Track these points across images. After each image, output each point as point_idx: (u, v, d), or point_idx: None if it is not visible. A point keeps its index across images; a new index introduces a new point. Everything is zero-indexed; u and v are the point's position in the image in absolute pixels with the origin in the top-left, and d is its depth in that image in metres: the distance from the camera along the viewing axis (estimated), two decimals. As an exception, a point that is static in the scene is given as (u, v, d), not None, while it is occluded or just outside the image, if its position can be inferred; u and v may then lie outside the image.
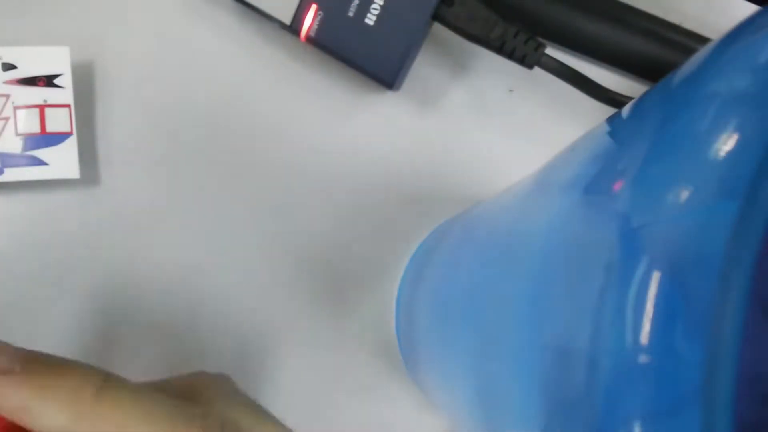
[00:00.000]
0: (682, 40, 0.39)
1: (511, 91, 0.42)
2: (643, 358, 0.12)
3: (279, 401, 0.40)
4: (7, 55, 0.38)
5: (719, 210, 0.12)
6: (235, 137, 0.41)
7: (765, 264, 0.11)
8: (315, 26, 0.37)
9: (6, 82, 0.38)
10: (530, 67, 0.37)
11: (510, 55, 0.37)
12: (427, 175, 0.41)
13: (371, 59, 0.37)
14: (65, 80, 0.39)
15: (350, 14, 0.37)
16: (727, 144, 0.12)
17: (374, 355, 0.41)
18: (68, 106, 0.39)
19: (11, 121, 0.38)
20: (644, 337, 0.12)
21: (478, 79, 0.42)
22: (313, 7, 0.37)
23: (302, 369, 0.40)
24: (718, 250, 0.11)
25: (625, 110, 0.18)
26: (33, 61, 0.38)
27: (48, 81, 0.39)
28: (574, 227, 0.16)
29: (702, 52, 0.16)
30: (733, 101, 0.13)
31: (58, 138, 0.38)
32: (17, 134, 0.38)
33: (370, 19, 0.37)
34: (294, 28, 0.37)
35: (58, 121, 0.38)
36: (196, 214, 0.40)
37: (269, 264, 0.41)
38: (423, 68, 0.41)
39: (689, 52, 0.38)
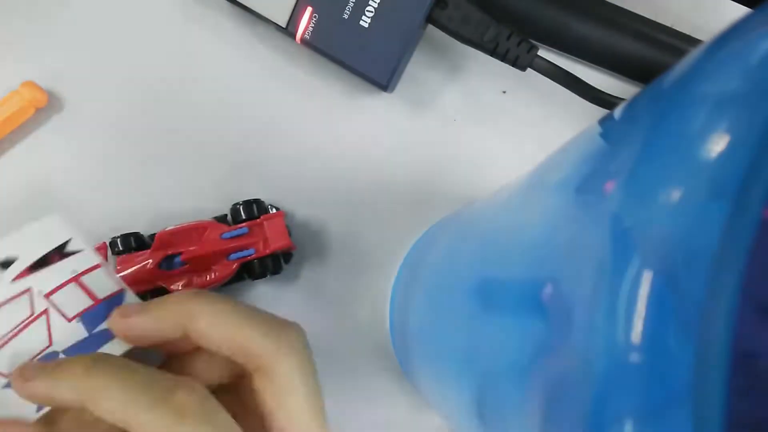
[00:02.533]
0: (674, 42, 0.39)
1: (504, 92, 0.42)
2: (635, 357, 0.12)
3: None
4: None
5: (710, 210, 0.12)
6: (230, 138, 0.41)
7: (755, 263, 0.11)
8: (310, 28, 0.37)
9: (16, 279, 0.31)
10: (523, 68, 0.37)
11: (503, 57, 0.37)
12: (421, 175, 0.41)
13: (366, 61, 0.37)
14: (77, 242, 0.32)
15: (345, 16, 0.37)
16: (717, 145, 0.12)
17: (368, 355, 0.41)
18: (99, 266, 0.32)
19: (53, 312, 0.31)
20: (636, 336, 0.12)
21: (471, 81, 0.42)
22: (309, 9, 0.37)
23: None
24: (709, 250, 0.11)
25: (617, 111, 0.18)
26: (30, 242, 0.32)
27: (60, 253, 0.32)
28: (566, 227, 0.17)
29: (693, 54, 0.16)
30: (723, 103, 0.13)
31: (116, 299, 0.32)
32: (70, 320, 0.31)
33: (365, 22, 0.37)
34: (289, 30, 0.37)
35: (103, 283, 0.32)
36: (190, 213, 0.40)
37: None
38: (417, 70, 0.41)
39: (680, 53, 0.39)
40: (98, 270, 0.32)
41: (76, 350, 0.31)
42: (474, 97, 0.42)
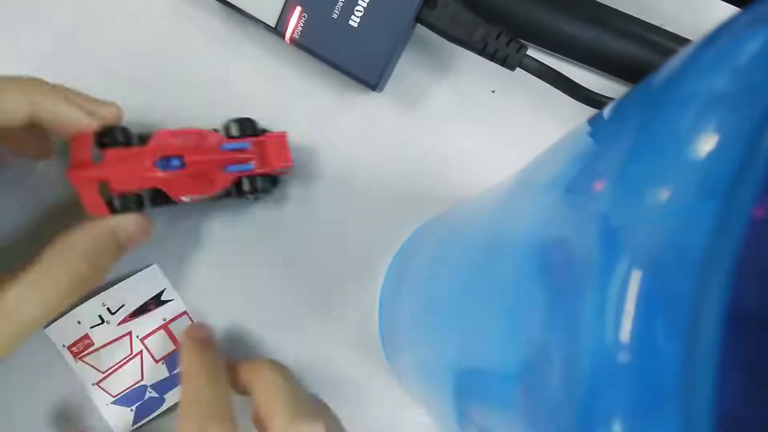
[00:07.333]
0: (663, 42, 0.40)
1: (493, 92, 0.42)
2: (623, 357, 0.12)
3: (263, 402, 0.40)
4: (110, 298, 0.39)
5: (699, 210, 0.12)
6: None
7: (745, 262, 0.11)
8: (299, 28, 0.37)
9: (120, 323, 0.39)
10: (512, 68, 0.37)
11: (492, 57, 0.37)
12: (410, 175, 0.41)
13: (355, 61, 0.37)
14: (170, 292, 0.40)
15: (334, 16, 0.37)
16: (706, 144, 0.12)
17: (358, 353, 0.41)
18: (185, 312, 0.40)
19: (146, 353, 0.39)
20: (625, 336, 0.12)
21: (460, 80, 0.42)
22: (298, 9, 0.37)
23: (286, 366, 0.40)
24: (698, 249, 0.11)
25: (606, 111, 0.19)
26: (133, 291, 0.40)
27: (156, 302, 0.40)
28: (555, 227, 0.17)
29: (682, 54, 0.16)
30: (712, 102, 0.13)
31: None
32: (157, 362, 0.40)
33: (354, 21, 0.37)
34: (279, 29, 0.37)
35: (182, 329, 0.39)
36: (183, 215, 0.40)
37: (253, 264, 0.41)
38: (406, 69, 0.41)
39: (669, 53, 0.39)
40: (183, 317, 0.40)
41: (160, 387, 0.40)
42: (463, 96, 0.42)
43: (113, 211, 0.35)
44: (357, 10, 0.36)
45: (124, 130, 0.35)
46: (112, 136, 0.35)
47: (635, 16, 0.40)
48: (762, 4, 0.14)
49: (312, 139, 0.41)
